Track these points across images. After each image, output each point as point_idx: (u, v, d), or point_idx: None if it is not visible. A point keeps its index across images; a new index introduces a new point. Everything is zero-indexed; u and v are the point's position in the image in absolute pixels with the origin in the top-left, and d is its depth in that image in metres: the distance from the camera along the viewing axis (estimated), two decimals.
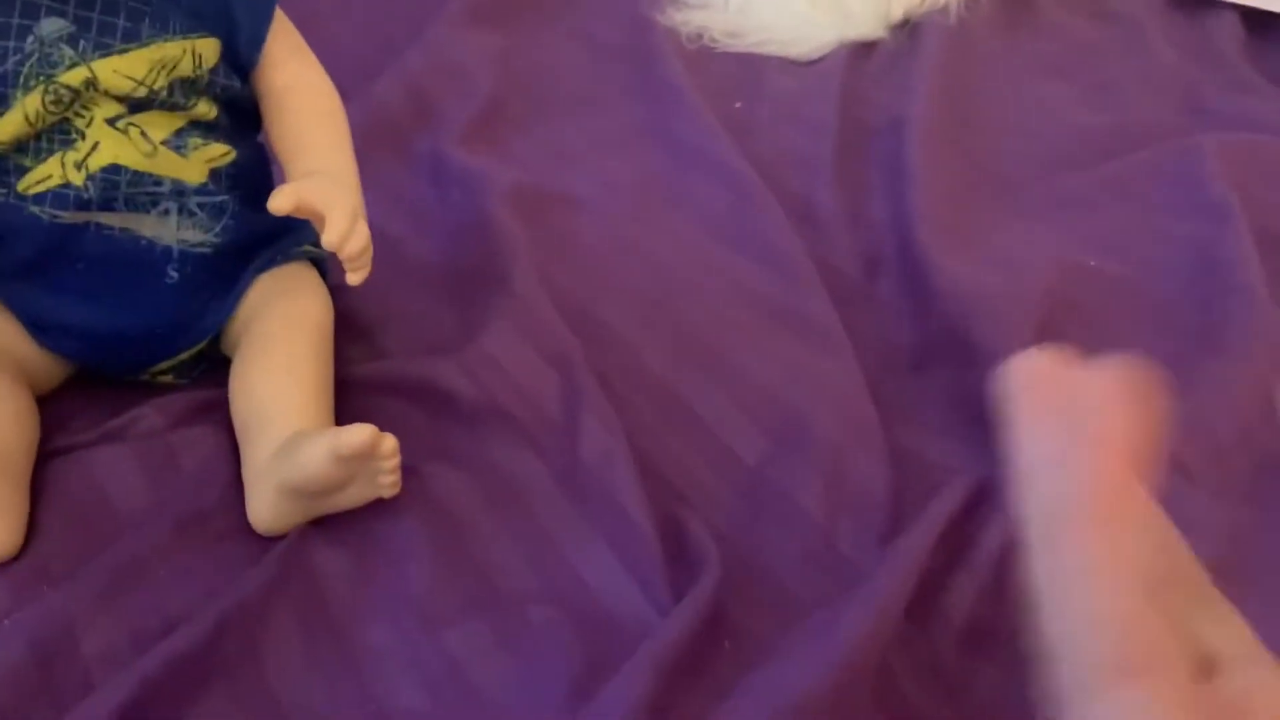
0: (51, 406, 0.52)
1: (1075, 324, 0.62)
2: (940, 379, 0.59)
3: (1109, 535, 0.21)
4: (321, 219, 0.46)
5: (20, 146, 0.47)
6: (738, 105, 0.81)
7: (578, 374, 0.54)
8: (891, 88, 0.84)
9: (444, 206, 0.63)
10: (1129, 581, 0.21)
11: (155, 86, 0.47)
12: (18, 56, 0.45)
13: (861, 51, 0.90)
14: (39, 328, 0.51)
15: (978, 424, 0.56)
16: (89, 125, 0.47)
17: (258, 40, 0.49)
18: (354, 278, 0.49)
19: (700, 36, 0.88)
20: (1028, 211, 0.72)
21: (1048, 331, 0.60)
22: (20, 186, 0.47)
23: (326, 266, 0.56)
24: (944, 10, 0.95)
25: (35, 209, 0.48)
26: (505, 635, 0.45)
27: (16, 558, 0.46)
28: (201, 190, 0.50)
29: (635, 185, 0.69)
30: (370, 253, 0.48)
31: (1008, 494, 0.24)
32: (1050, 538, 0.22)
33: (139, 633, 0.43)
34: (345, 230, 0.46)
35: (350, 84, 0.58)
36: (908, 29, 0.93)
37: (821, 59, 0.88)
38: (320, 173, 0.48)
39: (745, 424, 0.56)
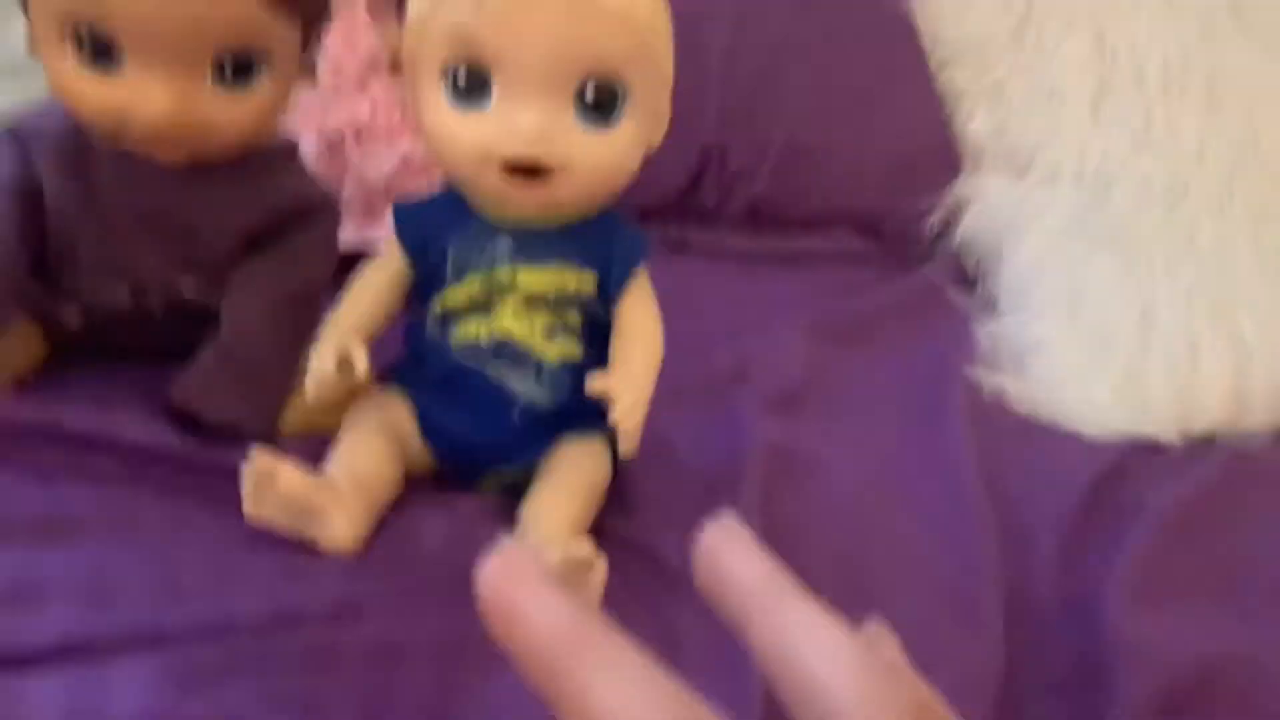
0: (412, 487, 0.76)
1: None
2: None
3: None
4: (614, 403, 0.68)
5: (461, 310, 0.73)
6: (1006, 454, 0.94)
7: None
8: (1157, 489, 0.92)
9: (718, 437, 0.83)
10: None
11: (549, 295, 0.72)
12: (481, 257, 0.72)
13: (1149, 448, 1.00)
14: (424, 422, 0.76)
15: None
16: (502, 306, 0.72)
17: (620, 285, 0.73)
18: (624, 448, 0.69)
19: (1000, 396, 1.03)
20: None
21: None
22: (452, 335, 0.73)
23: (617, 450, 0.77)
24: (1250, 437, 1.02)
25: (455, 350, 0.73)
26: None
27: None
28: (552, 368, 0.74)
29: (879, 476, 0.85)
30: (638, 434, 0.69)
31: None
32: None
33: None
34: (626, 409, 0.67)
35: (690, 346, 0.80)
36: (1205, 443, 1.01)
37: (1105, 444, 0.99)
38: (625, 375, 0.70)
39: None
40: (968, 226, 1.25)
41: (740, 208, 1.25)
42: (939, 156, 1.29)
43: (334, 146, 1.02)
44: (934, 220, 1.27)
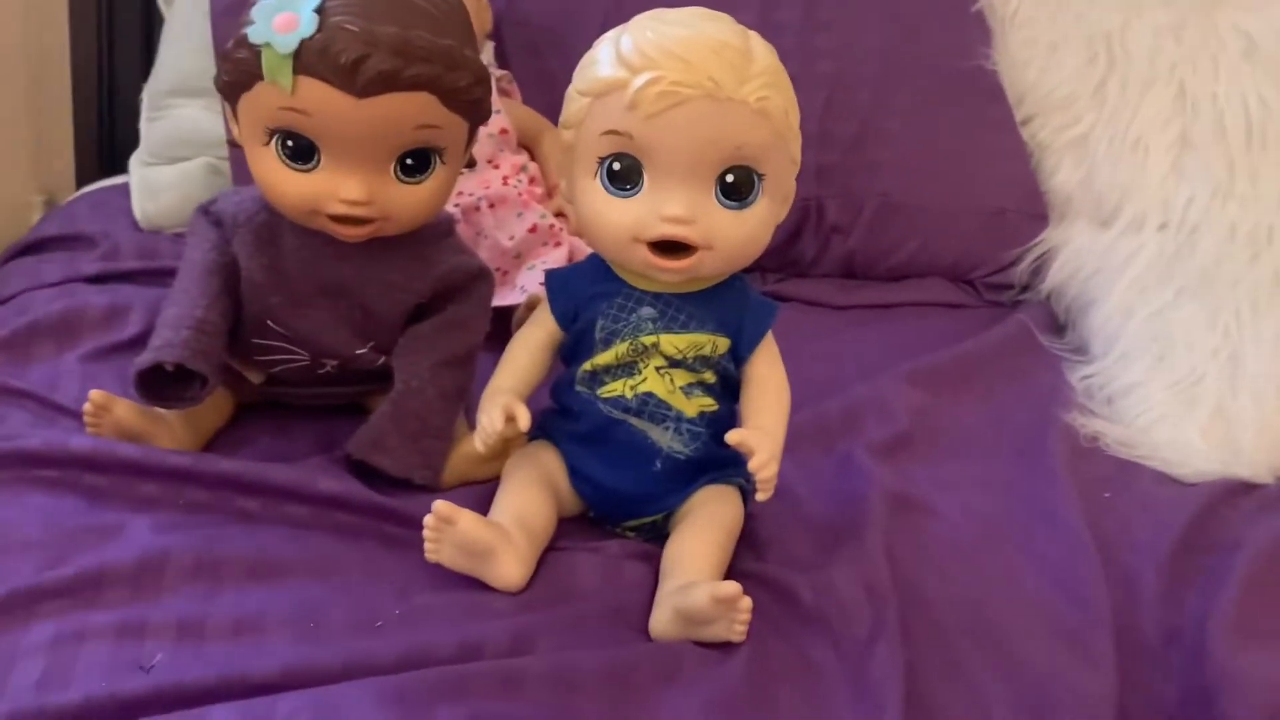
0: (562, 527, 0.84)
1: None
2: None
3: None
4: (752, 454, 0.75)
5: (608, 370, 0.81)
6: (1106, 495, 0.99)
7: (889, 617, 0.76)
8: (1253, 526, 0.96)
9: (838, 478, 0.90)
10: None
11: (688, 356, 0.80)
12: (627, 325, 0.80)
13: (1242, 489, 1.04)
14: (574, 471, 0.84)
15: None
16: (645, 368, 0.80)
17: (751, 347, 0.81)
18: (761, 496, 0.76)
19: (1095, 439, 1.09)
20: None
21: None
22: (599, 391, 0.81)
23: (748, 496, 0.84)
24: None
25: (602, 405, 0.81)
26: None
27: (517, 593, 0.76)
28: (691, 421, 0.81)
29: (990, 517, 0.91)
30: (775, 482, 0.76)
31: None
32: None
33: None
34: (765, 461, 0.75)
35: (798, 395, 0.87)
36: None
37: (1199, 484, 1.04)
38: (761, 428, 0.78)
39: None
40: (1056, 275, 1.31)
41: (837, 260, 1.32)
42: (1027, 207, 1.35)
43: (468, 214, 1.11)
44: (1023, 269, 1.33)
